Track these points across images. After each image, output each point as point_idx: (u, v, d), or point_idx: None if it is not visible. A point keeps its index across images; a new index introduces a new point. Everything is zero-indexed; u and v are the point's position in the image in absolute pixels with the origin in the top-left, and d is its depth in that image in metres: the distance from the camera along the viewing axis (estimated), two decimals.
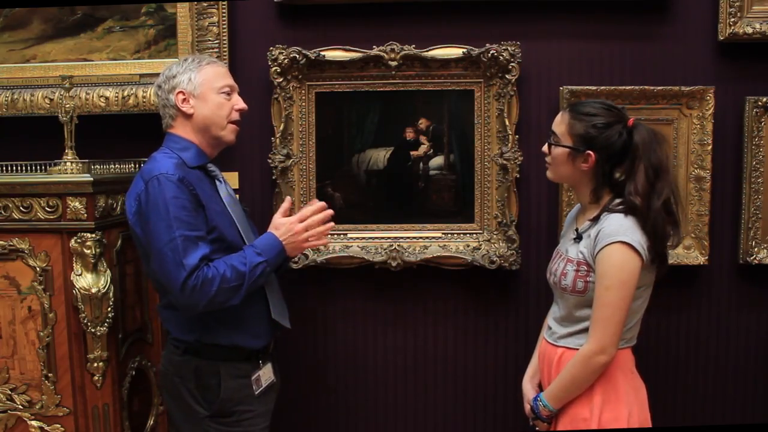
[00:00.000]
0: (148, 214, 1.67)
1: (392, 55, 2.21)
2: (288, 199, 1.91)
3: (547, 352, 1.81)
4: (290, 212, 1.88)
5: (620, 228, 1.63)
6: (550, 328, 1.83)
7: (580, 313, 1.71)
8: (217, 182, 1.85)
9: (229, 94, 1.84)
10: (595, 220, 1.70)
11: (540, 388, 1.88)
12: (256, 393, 1.83)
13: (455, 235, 2.32)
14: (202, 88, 1.79)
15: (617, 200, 1.69)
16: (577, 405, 1.70)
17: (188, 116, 1.80)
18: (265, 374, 1.87)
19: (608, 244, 1.62)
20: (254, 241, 1.80)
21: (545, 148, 1.79)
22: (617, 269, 1.62)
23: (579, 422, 1.69)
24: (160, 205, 1.65)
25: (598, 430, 1.65)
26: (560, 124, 1.75)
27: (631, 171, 1.67)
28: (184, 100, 1.79)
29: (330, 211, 1.86)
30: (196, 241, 1.66)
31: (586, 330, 1.69)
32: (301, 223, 1.80)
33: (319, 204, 1.85)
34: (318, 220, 1.82)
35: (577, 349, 1.69)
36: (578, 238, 1.75)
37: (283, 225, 1.80)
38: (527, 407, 1.86)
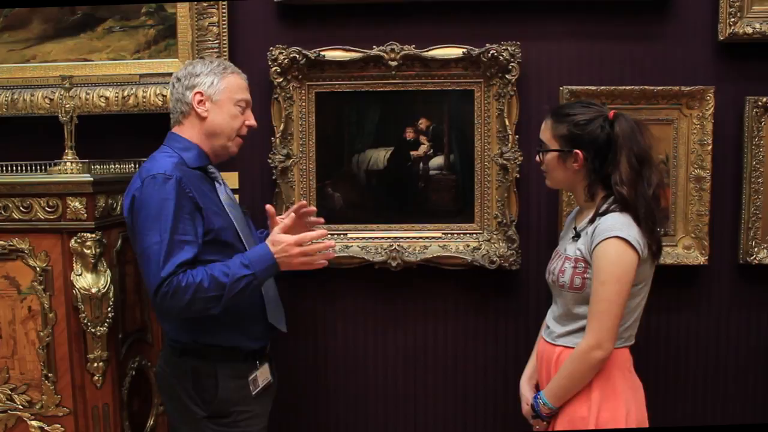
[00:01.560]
0: (140, 213, 1.66)
1: (392, 55, 2.21)
2: (292, 216, 1.82)
3: (545, 351, 1.82)
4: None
5: (616, 224, 1.64)
6: (548, 327, 1.84)
7: (578, 310, 1.71)
8: (217, 184, 1.84)
9: (243, 108, 1.84)
10: (592, 221, 1.71)
11: (537, 388, 1.88)
12: (254, 393, 1.83)
13: (455, 235, 2.31)
14: (221, 96, 1.79)
15: (611, 199, 1.70)
16: (575, 404, 1.70)
17: (201, 118, 1.79)
18: (262, 375, 1.87)
19: (604, 240, 1.64)
20: (247, 251, 1.75)
21: (537, 158, 1.82)
22: (613, 264, 1.63)
23: (577, 421, 1.69)
24: (153, 205, 1.64)
25: (597, 430, 1.66)
26: (545, 130, 1.79)
27: (615, 162, 1.69)
28: (200, 101, 1.78)
29: (332, 242, 1.83)
30: (182, 245, 1.64)
31: (583, 329, 1.69)
32: (297, 247, 1.72)
33: (320, 232, 1.78)
34: (316, 248, 1.75)
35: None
36: (576, 236, 1.76)
37: (279, 243, 1.72)
38: (525, 407, 1.87)
